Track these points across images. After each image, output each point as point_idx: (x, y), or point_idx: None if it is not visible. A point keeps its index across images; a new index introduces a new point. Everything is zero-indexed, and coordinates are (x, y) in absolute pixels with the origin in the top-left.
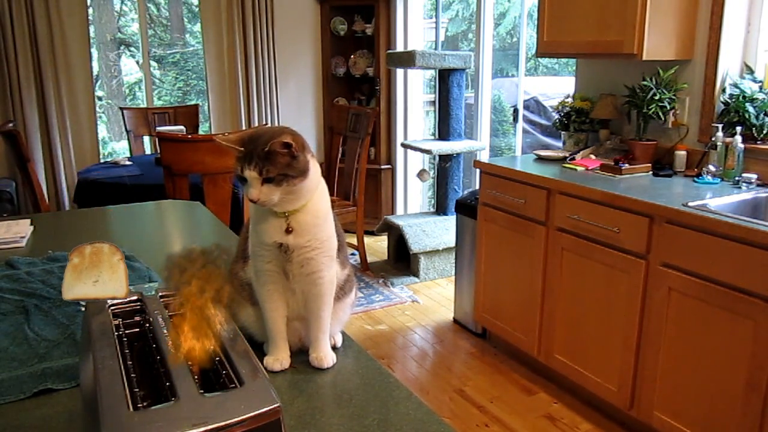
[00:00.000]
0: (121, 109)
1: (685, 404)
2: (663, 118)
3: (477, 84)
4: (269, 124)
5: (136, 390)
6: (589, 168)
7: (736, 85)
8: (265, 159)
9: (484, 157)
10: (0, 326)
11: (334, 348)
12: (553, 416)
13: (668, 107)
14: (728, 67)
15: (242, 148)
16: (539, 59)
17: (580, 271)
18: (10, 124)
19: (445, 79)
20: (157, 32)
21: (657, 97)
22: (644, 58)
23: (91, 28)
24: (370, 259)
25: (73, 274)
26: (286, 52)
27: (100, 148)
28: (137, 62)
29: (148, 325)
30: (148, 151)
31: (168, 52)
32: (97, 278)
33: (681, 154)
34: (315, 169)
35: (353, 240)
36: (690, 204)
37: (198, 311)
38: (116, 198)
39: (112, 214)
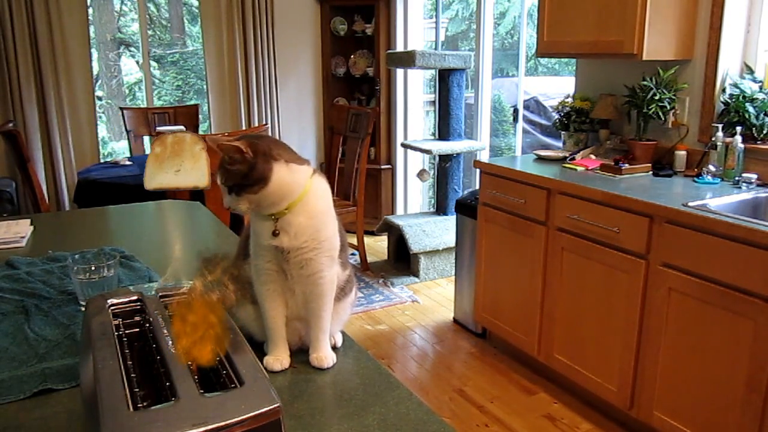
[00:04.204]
0: (121, 109)
1: (685, 404)
2: (663, 118)
3: (477, 84)
4: (269, 125)
5: (136, 390)
6: (589, 168)
7: (736, 85)
8: (224, 169)
9: (484, 157)
10: (0, 326)
11: (334, 348)
12: (553, 416)
13: (668, 107)
14: (728, 67)
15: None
16: (539, 59)
17: (580, 271)
18: (10, 124)
19: (445, 79)
20: (156, 32)
21: (657, 97)
22: (644, 58)
23: (91, 28)
24: (370, 259)
25: (155, 164)
26: (286, 52)
27: (100, 148)
28: (137, 62)
29: (148, 325)
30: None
31: (168, 52)
32: (179, 167)
33: (681, 154)
34: (283, 174)
35: (353, 240)
36: (690, 204)
37: (200, 310)
38: (116, 198)
39: (112, 214)
